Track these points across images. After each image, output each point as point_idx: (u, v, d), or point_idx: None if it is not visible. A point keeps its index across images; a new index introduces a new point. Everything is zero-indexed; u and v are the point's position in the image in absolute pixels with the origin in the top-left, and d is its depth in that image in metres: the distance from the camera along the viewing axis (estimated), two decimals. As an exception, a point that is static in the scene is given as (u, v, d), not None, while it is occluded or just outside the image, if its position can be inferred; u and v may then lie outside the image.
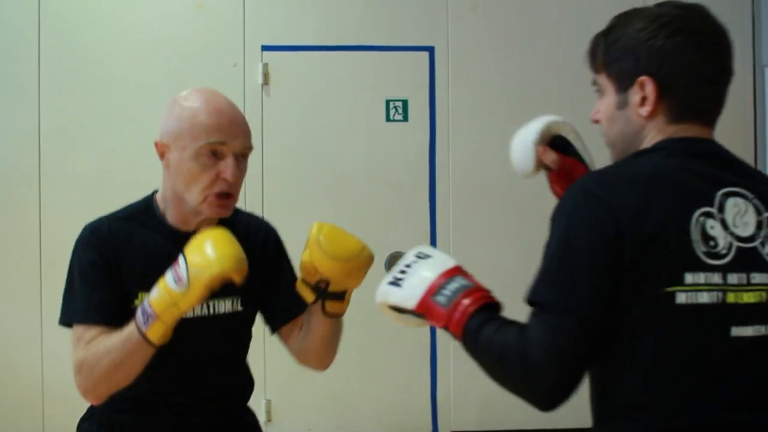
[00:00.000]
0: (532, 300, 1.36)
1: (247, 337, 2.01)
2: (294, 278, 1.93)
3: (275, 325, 1.99)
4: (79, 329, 1.77)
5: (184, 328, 1.72)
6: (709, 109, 1.46)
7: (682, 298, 1.30)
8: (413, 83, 4.34)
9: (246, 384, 2.03)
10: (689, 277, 1.31)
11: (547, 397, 1.33)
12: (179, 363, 1.83)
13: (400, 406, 4.30)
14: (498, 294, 1.49)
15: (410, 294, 1.45)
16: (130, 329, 1.68)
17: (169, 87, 4.25)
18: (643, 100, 1.43)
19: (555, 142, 1.70)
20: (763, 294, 1.35)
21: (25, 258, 4.16)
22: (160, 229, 1.85)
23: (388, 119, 4.33)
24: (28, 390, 4.14)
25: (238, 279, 1.64)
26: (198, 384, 1.88)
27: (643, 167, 1.39)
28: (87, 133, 4.21)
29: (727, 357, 1.32)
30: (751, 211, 1.39)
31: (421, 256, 1.50)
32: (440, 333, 4.30)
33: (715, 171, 1.41)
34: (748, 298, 1.34)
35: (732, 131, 4.34)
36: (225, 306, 1.88)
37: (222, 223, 1.86)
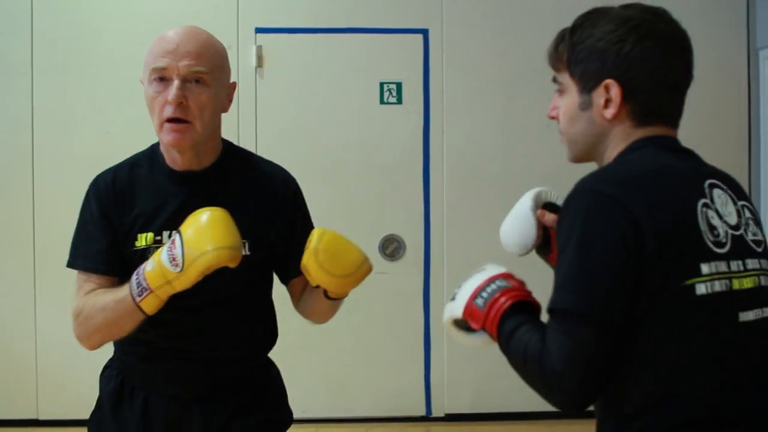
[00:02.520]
0: (553, 308, 1.34)
1: (259, 284, 1.94)
2: (308, 233, 1.88)
3: (285, 277, 1.97)
4: (81, 276, 1.82)
5: None
6: (671, 113, 1.47)
7: (701, 288, 1.31)
8: (407, 66, 4.32)
9: (264, 335, 1.98)
10: (705, 268, 1.31)
11: (571, 403, 1.33)
12: (183, 304, 1.77)
13: (394, 390, 4.31)
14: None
15: (460, 302, 1.48)
16: (124, 293, 1.69)
17: (162, 69, 4.28)
18: (607, 102, 1.43)
19: (546, 208, 1.72)
20: (756, 279, 1.37)
21: (18, 241, 4.13)
22: (161, 170, 1.86)
23: (382, 102, 4.32)
24: (22, 374, 4.12)
25: (233, 266, 1.65)
26: (204, 328, 1.85)
27: (642, 163, 1.39)
28: (81, 115, 4.19)
29: (739, 342, 1.33)
30: (729, 200, 1.41)
31: (477, 271, 1.52)
32: (434, 317, 4.31)
33: (695, 164, 1.43)
34: (747, 283, 1.35)
35: (727, 114, 4.37)
36: None
37: (231, 166, 1.88)
